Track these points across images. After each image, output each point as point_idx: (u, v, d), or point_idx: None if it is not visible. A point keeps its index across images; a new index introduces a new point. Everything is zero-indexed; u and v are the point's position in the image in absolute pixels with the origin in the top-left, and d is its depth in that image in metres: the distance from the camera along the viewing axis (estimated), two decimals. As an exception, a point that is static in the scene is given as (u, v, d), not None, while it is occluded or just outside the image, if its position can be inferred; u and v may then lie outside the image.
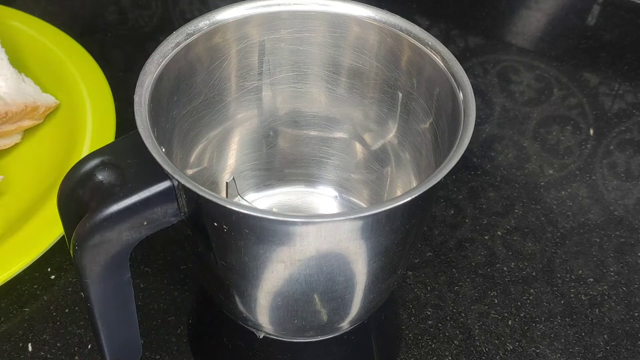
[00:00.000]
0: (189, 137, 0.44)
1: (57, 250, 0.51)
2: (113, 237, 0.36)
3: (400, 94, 0.44)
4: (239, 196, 0.41)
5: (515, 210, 0.57)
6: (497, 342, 0.49)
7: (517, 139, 0.63)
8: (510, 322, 0.50)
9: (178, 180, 0.35)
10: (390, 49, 0.43)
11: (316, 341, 0.47)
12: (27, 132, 0.59)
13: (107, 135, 0.57)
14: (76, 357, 0.47)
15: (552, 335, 0.50)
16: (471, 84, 0.39)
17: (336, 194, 0.52)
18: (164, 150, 0.37)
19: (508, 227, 0.56)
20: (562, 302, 0.52)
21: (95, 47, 0.65)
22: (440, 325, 0.50)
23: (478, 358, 0.48)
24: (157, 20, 0.73)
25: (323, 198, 0.52)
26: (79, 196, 0.38)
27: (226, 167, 0.48)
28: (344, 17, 0.43)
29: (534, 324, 0.50)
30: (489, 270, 0.53)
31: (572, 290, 0.52)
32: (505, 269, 0.53)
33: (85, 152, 0.55)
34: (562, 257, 0.54)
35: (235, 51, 0.44)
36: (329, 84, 0.47)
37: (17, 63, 0.63)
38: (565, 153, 0.62)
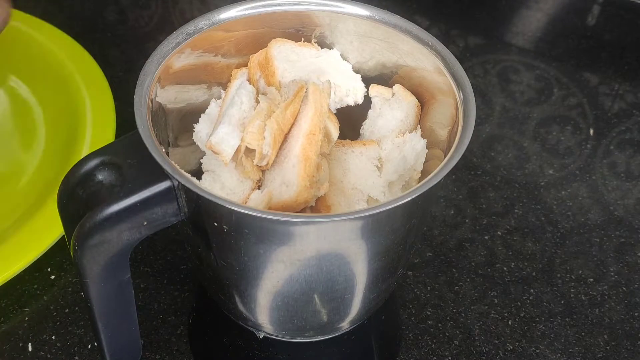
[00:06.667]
0: (189, 137, 0.44)
1: (57, 250, 0.51)
2: (113, 237, 0.36)
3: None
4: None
5: (515, 210, 0.57)
6: (497, 342, 0.49)
7: (517, 139, 0.63)
8: (510, 322, 0.50)
9: (178, 180, 0.35)
10: (390, 49, 0.43)
11: (316, 341, 0.47)
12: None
13: (107, 135, 0.57)
14: (76, 357, 0.47)
15: (552, 335, 0.50)
16: (471, 84, 0.39)
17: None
18: (164, 150, 0.37)
19: (508, 227, 0.56)
20: (562, 302, 0.52)
21: (95, 47, 0.65)
22: (440, 325, 0.50)
23: (478, 358, 0.48)
24: (157, 20, 0.73)
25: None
26: (79, 196, 0.38)
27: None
28: (344, 17, 0.43)
29: (534, 324, 0.50)
30: (489, 270, 0.53)
31: (572, 290, 0.52)
32: (505, 269, 0.53)
33: (85, 152, 0.55)
34: (562, 257, 0.54)
35: (235, 51, 0.44)
36: (329, 84, 0.47)
37: (17, 63, 0.63)
38: (565, 153, 0.62)
